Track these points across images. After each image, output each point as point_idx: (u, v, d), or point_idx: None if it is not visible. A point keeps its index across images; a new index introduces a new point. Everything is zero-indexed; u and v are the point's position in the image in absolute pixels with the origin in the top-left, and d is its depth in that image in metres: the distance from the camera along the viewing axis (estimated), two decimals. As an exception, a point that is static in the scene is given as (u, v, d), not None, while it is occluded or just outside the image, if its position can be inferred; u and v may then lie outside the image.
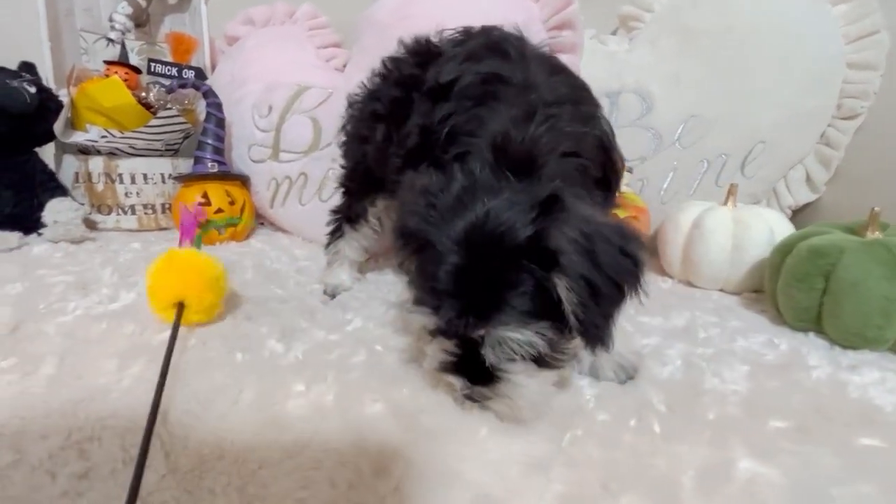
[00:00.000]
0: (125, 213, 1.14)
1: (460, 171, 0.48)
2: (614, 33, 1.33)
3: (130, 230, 1.15)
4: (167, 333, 0.64)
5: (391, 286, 0.86)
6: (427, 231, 0.46)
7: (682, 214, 0.93)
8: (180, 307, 0.61)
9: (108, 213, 1.14)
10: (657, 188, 1.07)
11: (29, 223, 1.00)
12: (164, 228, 1.20)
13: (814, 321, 0.71)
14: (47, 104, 1.04)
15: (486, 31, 0.69)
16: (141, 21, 1.28)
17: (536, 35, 1.01)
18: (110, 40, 1.21)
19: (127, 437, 0.48)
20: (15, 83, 0.96)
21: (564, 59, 1.02)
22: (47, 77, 1.15)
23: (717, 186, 1.08)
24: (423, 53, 0.71)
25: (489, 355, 0.46)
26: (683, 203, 0.96)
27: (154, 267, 0.63)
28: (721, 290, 0.91)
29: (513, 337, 0.44)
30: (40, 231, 1.00)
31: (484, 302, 0.44)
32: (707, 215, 0.89)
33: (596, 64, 1.13)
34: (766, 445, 0.46)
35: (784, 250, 0.75)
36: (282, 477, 0.45)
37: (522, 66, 0.58)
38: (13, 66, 1.05)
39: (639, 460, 0.45)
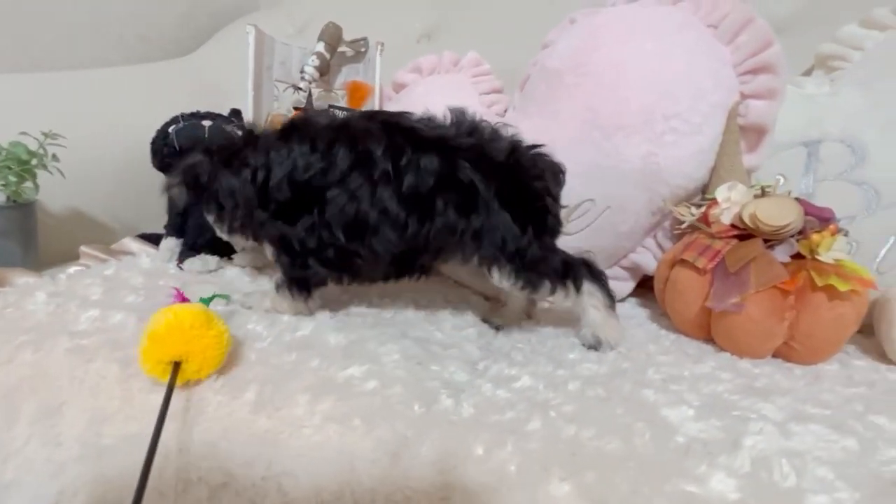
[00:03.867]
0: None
1: None
2: (807, 74, 1.18)
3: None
4: (350, 371, 0.65)
5: (555, 339, 0.81)
6: None
7: (916, 290, 0.76)
8: (176, 366, 0.57)
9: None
10: (871, 255, 0.90)
11: (220, 249, 1.13)
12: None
13: None
14: (249, 145, 1.19)
15: None
16: (323, 71, 1.42)
17: (726, 80, 0.92)
18: (299, 88, 1.37)
19: (321, 481, 0.50)
20: (229, 128, 1.12)
21: (760, 105, 0.92)
22: (248, 120, 1.32)
23: (954, 257, 0.88)
24: None
25: None
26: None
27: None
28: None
29: None
30: (231, 256, 1.13)
31: None
32: (955, 295, 0.72)
33: (790, 109, 1.00)
34: None
35: None
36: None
37: None
38: (220, 110, 1.23)
39: None
